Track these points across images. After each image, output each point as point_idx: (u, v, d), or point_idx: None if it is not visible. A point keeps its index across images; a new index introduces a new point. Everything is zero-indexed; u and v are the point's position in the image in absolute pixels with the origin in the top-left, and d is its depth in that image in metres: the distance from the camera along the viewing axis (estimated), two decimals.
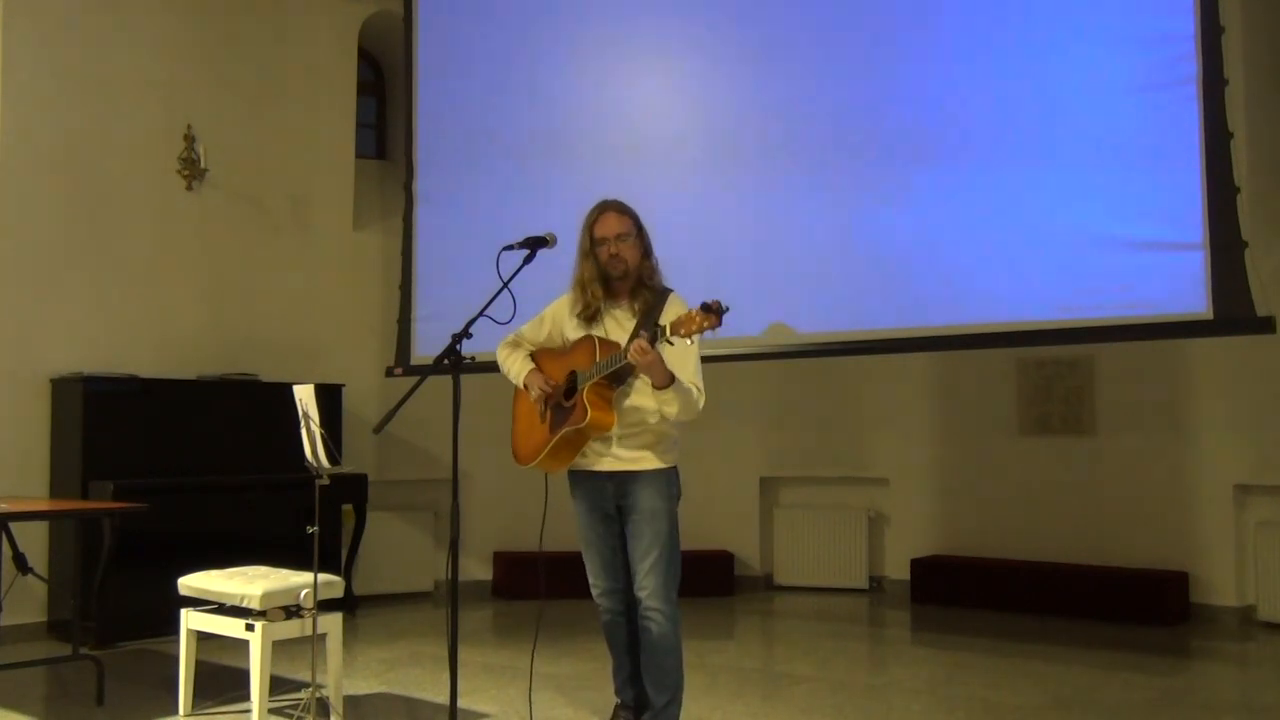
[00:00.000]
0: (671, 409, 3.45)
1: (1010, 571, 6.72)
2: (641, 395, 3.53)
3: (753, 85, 6.02)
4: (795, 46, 5.88)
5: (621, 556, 3.69)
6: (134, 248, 6.43)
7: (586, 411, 3.45)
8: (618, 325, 3.63)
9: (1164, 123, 4.84)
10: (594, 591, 3.78)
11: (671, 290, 3.66)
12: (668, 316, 3.46)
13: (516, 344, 3.80)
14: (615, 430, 3.54)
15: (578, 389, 3.50)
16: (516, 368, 3.75)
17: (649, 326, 3.36)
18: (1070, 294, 5.04)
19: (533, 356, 3.77)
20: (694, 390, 3.47)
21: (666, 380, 3.37)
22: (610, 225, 3.62)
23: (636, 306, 3.61)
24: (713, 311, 3.06)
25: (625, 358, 3.34)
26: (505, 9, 6.86)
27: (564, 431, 3.52)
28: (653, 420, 3.56)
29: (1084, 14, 5.12)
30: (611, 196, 3.74)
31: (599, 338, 3.56)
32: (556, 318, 3.76)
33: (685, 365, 3.48)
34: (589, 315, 3.65)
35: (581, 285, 3.67)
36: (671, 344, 3.24)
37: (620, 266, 3.60)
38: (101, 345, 6.20)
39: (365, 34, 7.55)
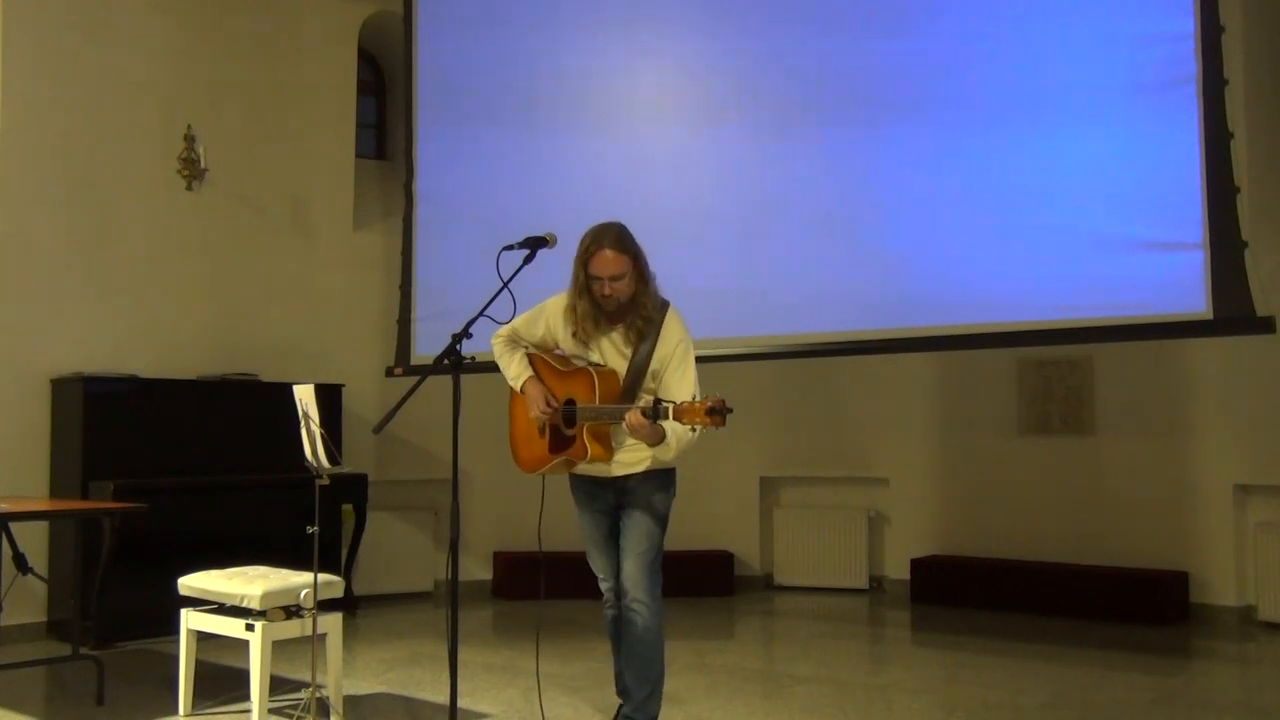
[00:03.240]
0: (665, 455, 3.49)
1: (1010, 571, 6.72)
2: None
3: (754, 86, 6.01)
4: (800, 49, 5.88)
5: None
6: (134, 248, 6.43)
7: (586, 450, 3.53)
8: (614, 349, 3.61)
9: (1164, 123, 4.84)
10: (603, 587, 3.81)
11: (669, 306, 3.63)
12: (664, 339, 3.54)
13: (513, 341, 3.76)
14: (617, 445, 3.60)
15: (576, 421, 3.54)
16: (514, 370, 3.71)
17: (651, 409, 3.32)
18: (1070, 294, 5.04)
19: (531, 361, 3.73)
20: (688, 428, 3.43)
21: (658, 440, 3.41)
22: (606, 265, 3.50)
23: (631, 335, 3.59)
24: (717, 413, 3.16)
25: (621, 419, 3.37)
26: (505, 9, 6.86)
27: (563, 458, 3.60)
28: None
29: (1084, 14, 5.12)
30: (609, 221, 3.61)
31: (596, 370, 3.54)
32: (551, 323, 3.71)
33: (682, 387, 3.51)
34: (588, 335, 3.64)
35: (574, 316, 3.62)
36: (677, 423, 3.29)
37: (613, 304, 3.57)
38: (101, 345, 6.20)
39: (365, 34, 7.55)
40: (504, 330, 3.72)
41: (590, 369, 3.56)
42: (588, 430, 3.52)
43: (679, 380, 3.53)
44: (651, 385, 3.59)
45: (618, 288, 3.53)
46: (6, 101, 5.99)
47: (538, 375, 3.69)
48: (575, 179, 6.31)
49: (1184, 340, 5.85)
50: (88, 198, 6.27)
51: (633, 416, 3.30)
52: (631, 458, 3.61)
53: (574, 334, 3.65)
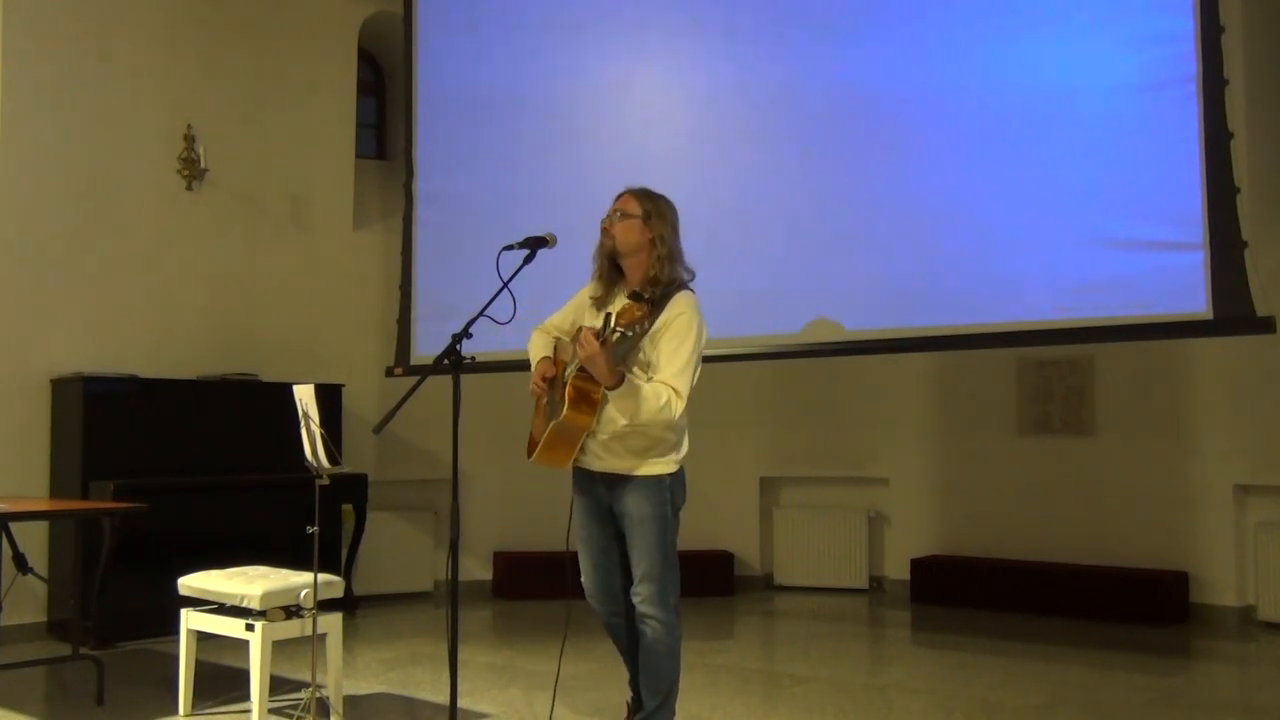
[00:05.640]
0: (624, 406, 3.24)
1: (1010, 571, 6.72)
2: None
3: (753, 88, 6.01)
4: (797, 46, 5.88)
5: (614, 558, 3.63)
6: (134, 247, 6.42)
7: (564, 407, 3.36)
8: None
9: (1164, 123, 4.83)
10: (585, 592, 3.71)
11: (684, 289, 3.50)
12: (670, 308, 3.38)
13: (545, 330, 3.72)
14: (601, 430, 3.43)
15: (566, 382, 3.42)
16: (534, 353, 3.68)
17: (601, 328, 3.22)
18: (1070, 294, 5.03)
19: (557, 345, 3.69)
20: (661, 394, 3.27)
21: (611, 379, 3.18)
22: (618, 200, 3.59)
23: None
24: (637, 298, 3.06)
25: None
26: (505, 9, 6.85)
27: (550, 426, 3.43)
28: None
29: (1084, 13, 5.11)
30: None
31: (587, 328, 3.40)
32: (580, 304, 3.68)
33: (671, 362, 3.34)
34: (601, 300, 3.58)
35: (594, 282, 3.65)
36: (627, 336, 3.12)
37: (608, 242, 3.54)
38: (101, 345, 6.20)
39: (365, 34, 7.55)
40: (541, 324, 3.73)
41: (583, 328, 3.42)
42: (570, 387, 3.35)
43: (671, 353, 3.34)
44: (649, 355, 3.40)
45: (617, 224, 3.53)
46: (7, 102, 5.99)
47: (553, 357, 3.63)
48: (576, 178, 6.30)
49: (1184, 340, 5.85)
50: (88, 198, 6.26)
51: (584, 333, 3.16)
52: (620, 456, 3.46)
53: (596, 295, 3.60)
